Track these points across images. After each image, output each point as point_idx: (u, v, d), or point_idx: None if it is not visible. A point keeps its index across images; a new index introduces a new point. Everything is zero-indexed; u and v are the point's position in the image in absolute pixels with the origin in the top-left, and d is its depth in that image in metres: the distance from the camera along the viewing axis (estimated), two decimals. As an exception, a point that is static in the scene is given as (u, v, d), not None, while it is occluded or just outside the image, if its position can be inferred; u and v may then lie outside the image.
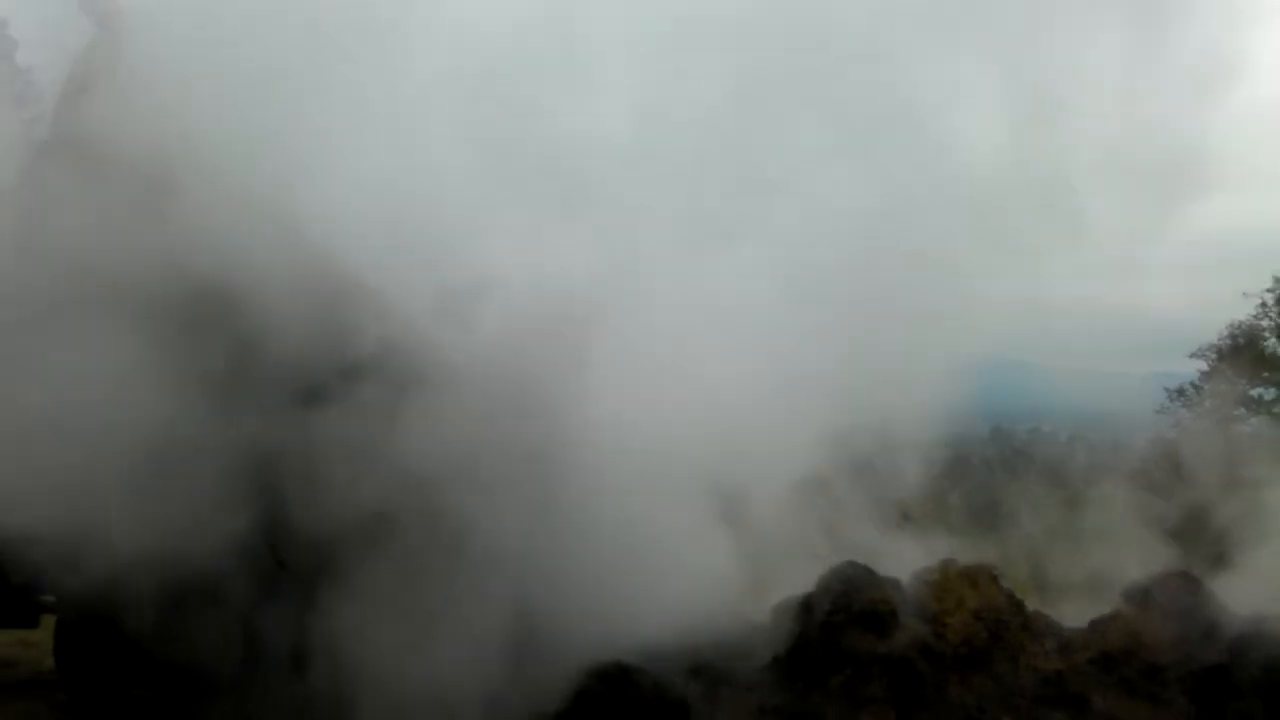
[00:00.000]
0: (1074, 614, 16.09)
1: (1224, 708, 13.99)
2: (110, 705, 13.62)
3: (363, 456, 13.32)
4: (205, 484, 13.06)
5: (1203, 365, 34.53)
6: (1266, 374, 33.50)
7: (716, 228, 17.26)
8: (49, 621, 14.96)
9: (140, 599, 13.14)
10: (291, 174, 13.89)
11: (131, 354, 12.85)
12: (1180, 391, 34.13)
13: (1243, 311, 33.74)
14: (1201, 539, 18.32)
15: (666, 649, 14.50)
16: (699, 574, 15.16)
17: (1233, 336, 33.85)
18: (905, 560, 15.74)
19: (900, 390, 18.13)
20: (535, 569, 14.56)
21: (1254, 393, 33.34)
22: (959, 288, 18.10)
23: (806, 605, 14.49)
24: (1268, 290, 33.60)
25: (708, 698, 13.98)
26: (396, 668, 13.35)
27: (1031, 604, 15.71)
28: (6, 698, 15.06)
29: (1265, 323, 33.85)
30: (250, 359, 13.30)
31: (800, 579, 15.25)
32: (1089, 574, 18.76)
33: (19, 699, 14.93)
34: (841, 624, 14.04)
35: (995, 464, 29.37)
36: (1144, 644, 14.50)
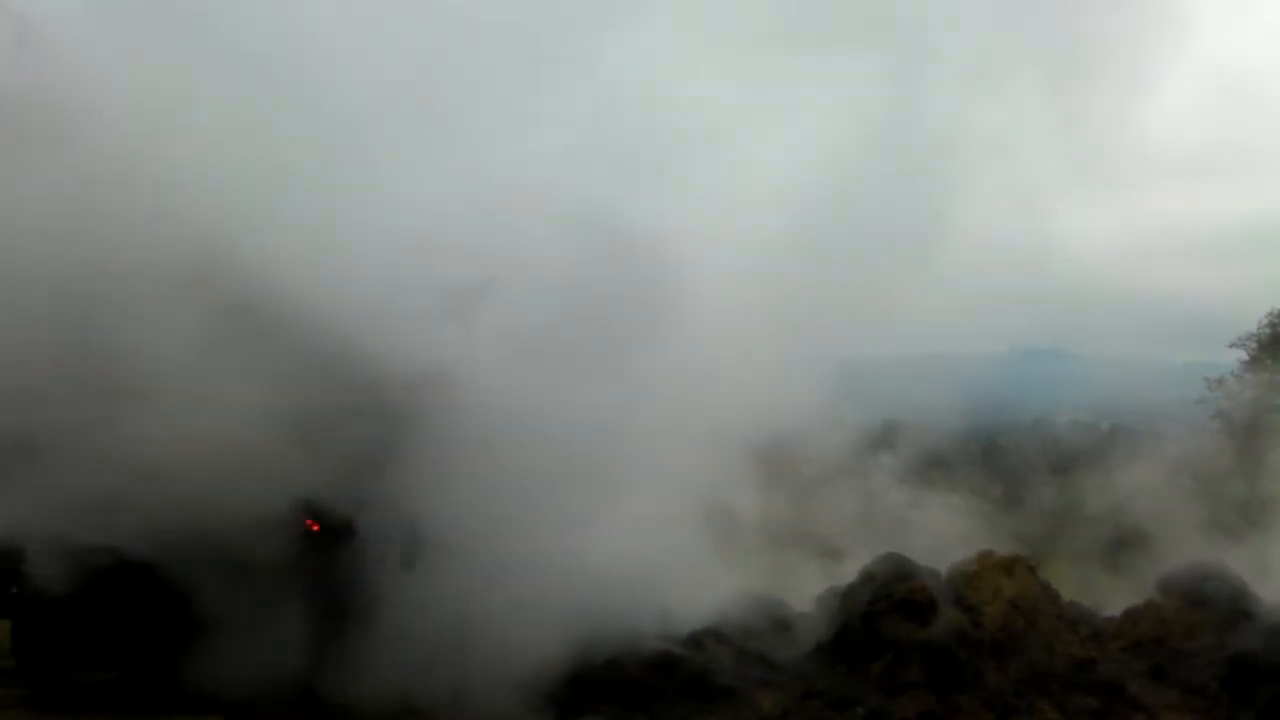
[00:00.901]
0: (1110, 603, 16.48)
1: (1253, 693, 14.12)
2: (63, 688, 14.15)
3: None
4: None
5: (1242, 355, 34.59)
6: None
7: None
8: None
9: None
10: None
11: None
12: (1219, 381, 34.10)
13: (1282, 300, 33.56)
14: (1238, 528, 18.54)
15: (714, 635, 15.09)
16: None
17: (1272, 325, 33.76)
18: (945, 549, 16.23)
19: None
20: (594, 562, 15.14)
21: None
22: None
23: (849, 594, 14.94)
24: (1309, 278, 33.52)
25: (754, 682, 14.40)
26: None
27: (1067, 593, 16.09)
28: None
29: (1306, 311, 33.63)
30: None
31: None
32: (1125, 563, 19.17)
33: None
34: (882, 612, 14.42)
35: (1035, 454, 29.54)
36: (1175, 632, 14.82)
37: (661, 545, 15.69)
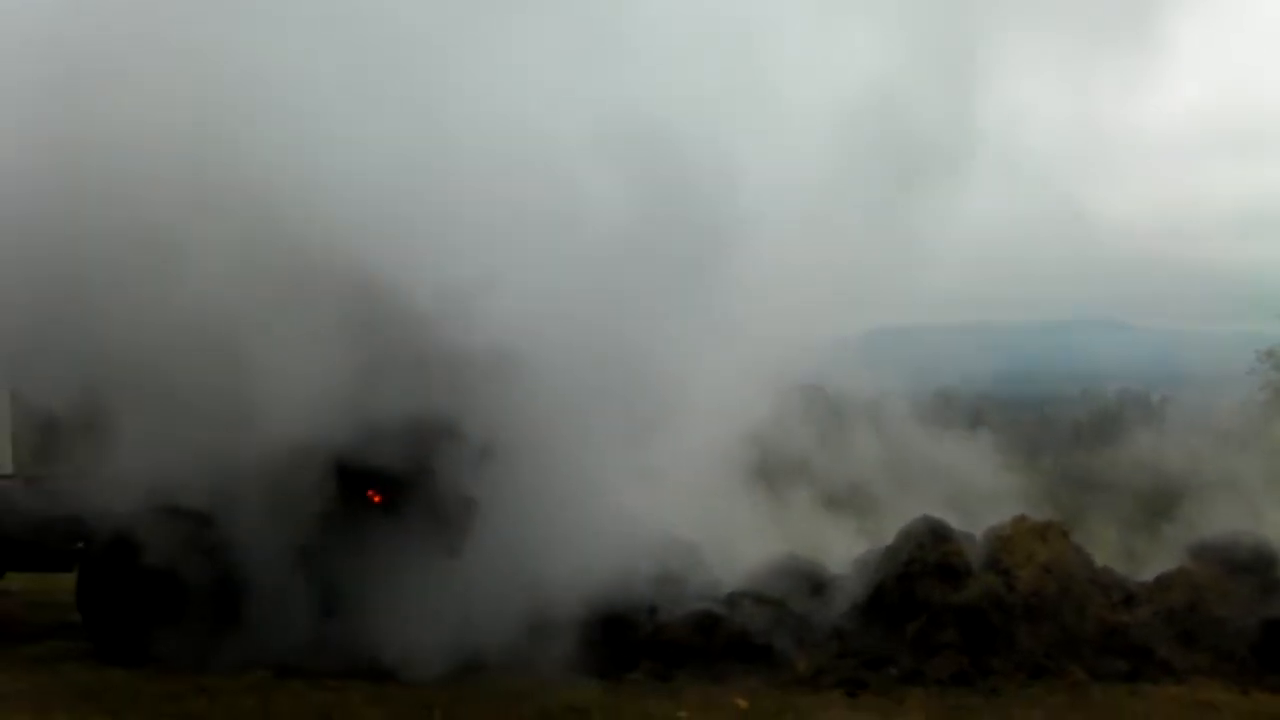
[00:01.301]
0: (1146, 571, 16.66)
1: None
2: (124, 642, 14.66)
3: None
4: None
5: (1293, 325, 34.36)
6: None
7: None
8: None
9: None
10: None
11: None
12: (1270, 353, 34.03)
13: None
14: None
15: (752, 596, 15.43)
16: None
17: (1324, 296, 33.50)
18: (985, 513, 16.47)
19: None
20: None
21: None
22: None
23: (885, 557, 15.19)
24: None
25: (791, 642, 14.74)
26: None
27: (1104, 559, 16.28)
28: (37, 636, 16.07)
29: (1359, 281, 33.39)
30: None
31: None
32: (1163, 532, 19.33)
33: (50, 638, 15.90)
34: (918, 574, 14.65)
35: (1084, 423, 29.68)
36: (1206, 598, 14.99)
37: (703, 506, 16.11)
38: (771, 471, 17.79)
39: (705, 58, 18.29)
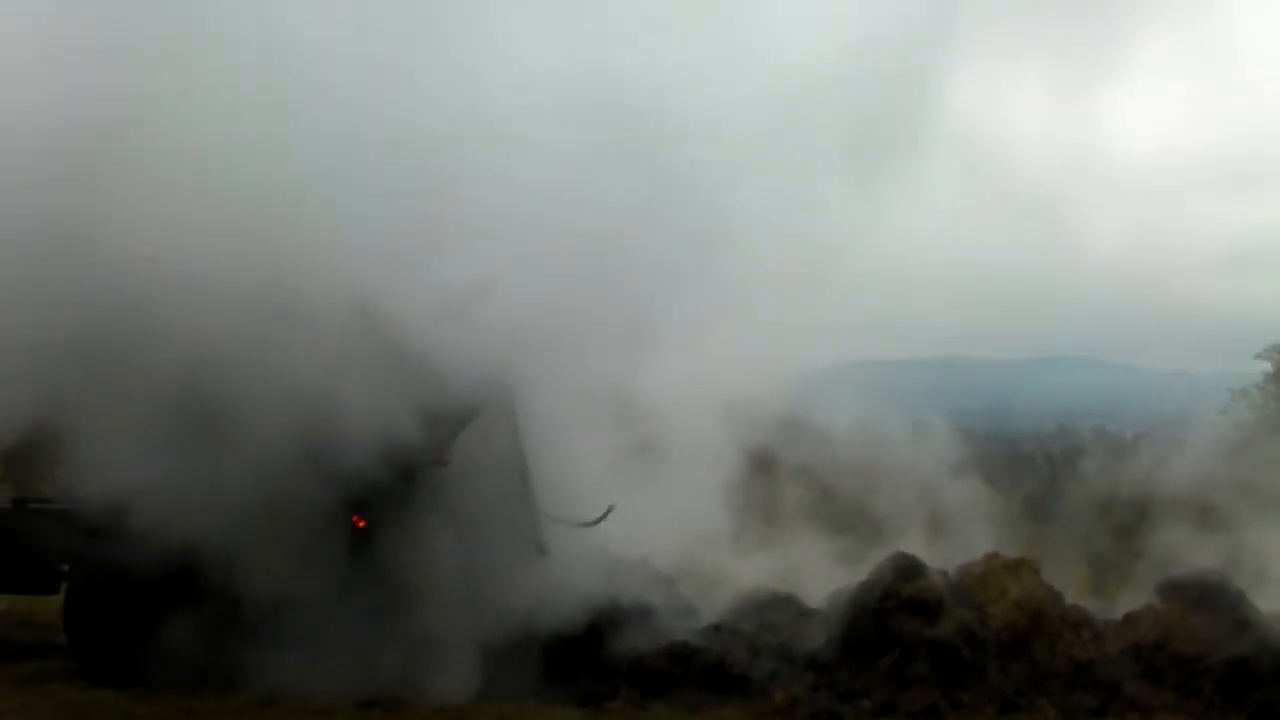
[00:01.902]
0: (1117, 607, 16.93)
1: (1247, 696, 14.52)
2: (111, 663, 14.93)
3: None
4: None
5: (1268, 367, 34.78)
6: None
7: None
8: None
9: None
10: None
11: None
12: (1244, 392, 34.33)
13: (1311, 311, 33.70)
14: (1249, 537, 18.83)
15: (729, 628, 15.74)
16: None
17: (1299, 338, 33.84)
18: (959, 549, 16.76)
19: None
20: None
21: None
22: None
23: (860, 591, 15.39)
24: (1337, 289, 33.67)
25: (767, 673, 15.00)
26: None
27: (1074, 597, 16.55)
28: (24, 655, 16.34)
29: (1334, 323, 33.71)
30: None
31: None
32: (1135, 569, 19.61)
33: (36, 657, 16.17)
34: (891, 610, 14.85)
35: (1057, 459, 29.98)
36: (1174, 636, 15.22)
37: (680, 538, 16.43)
38: (748, 503, 18.04)
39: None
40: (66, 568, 15.83)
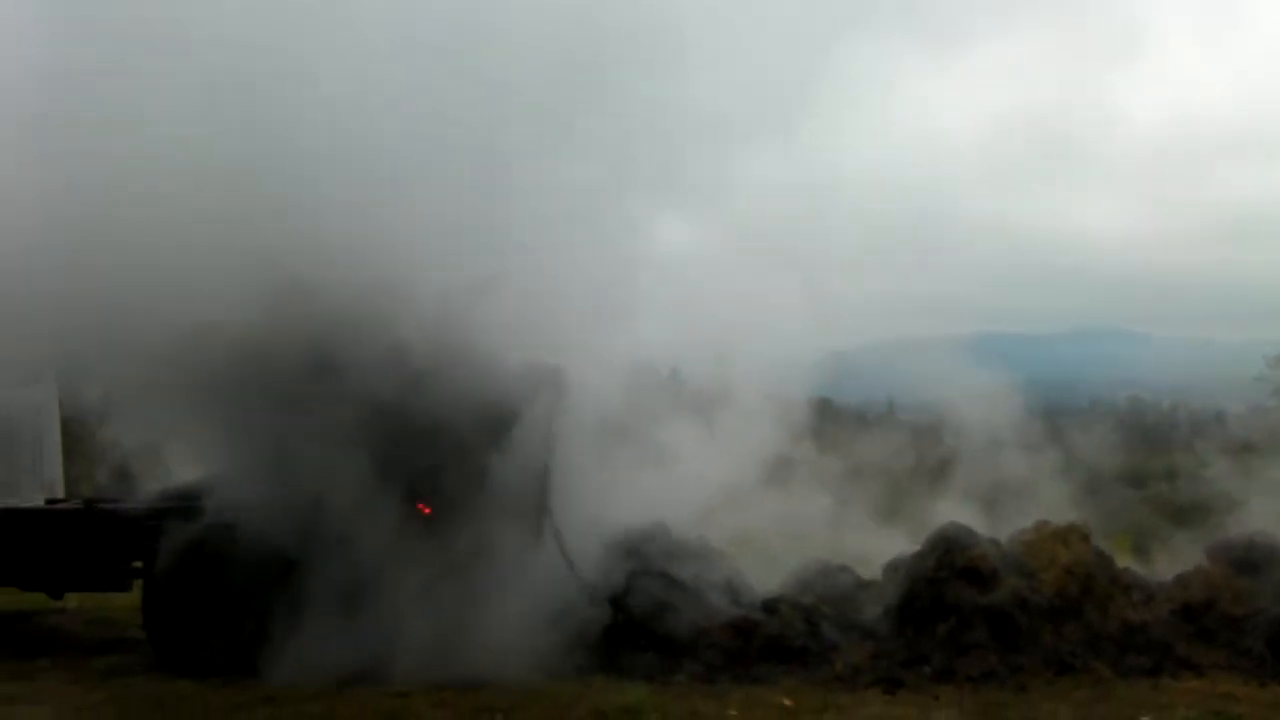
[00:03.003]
0: (1164, 570, 17.20)
1: None
2: (189, 655, 15.38)
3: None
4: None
5: (1299, 331, 34.65)
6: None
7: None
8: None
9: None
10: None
11: None
12: (1279, 359, 34.29)
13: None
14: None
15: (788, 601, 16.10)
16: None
17: (1334, 303, 33.81)
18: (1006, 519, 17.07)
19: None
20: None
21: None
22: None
23: (915, 562, 15.76)
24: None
25: (828, 644, 15.40)
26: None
27: (1123, 561, 16.82)
28: (101, 651, 16.90)
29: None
30: None
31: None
32: (1181, 533, 19.89)
33: (112, 652, 16.71)
34: (946, 579, 15.21)
35: (1094, 430, 30.17)
36: (1222, 596, 15.49)
37: (740, 514, 16.78)
38: (803, 479, 18.35)
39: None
40: (139, 565, 16.28)
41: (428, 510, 14.94)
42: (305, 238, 14.40)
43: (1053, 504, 17.99)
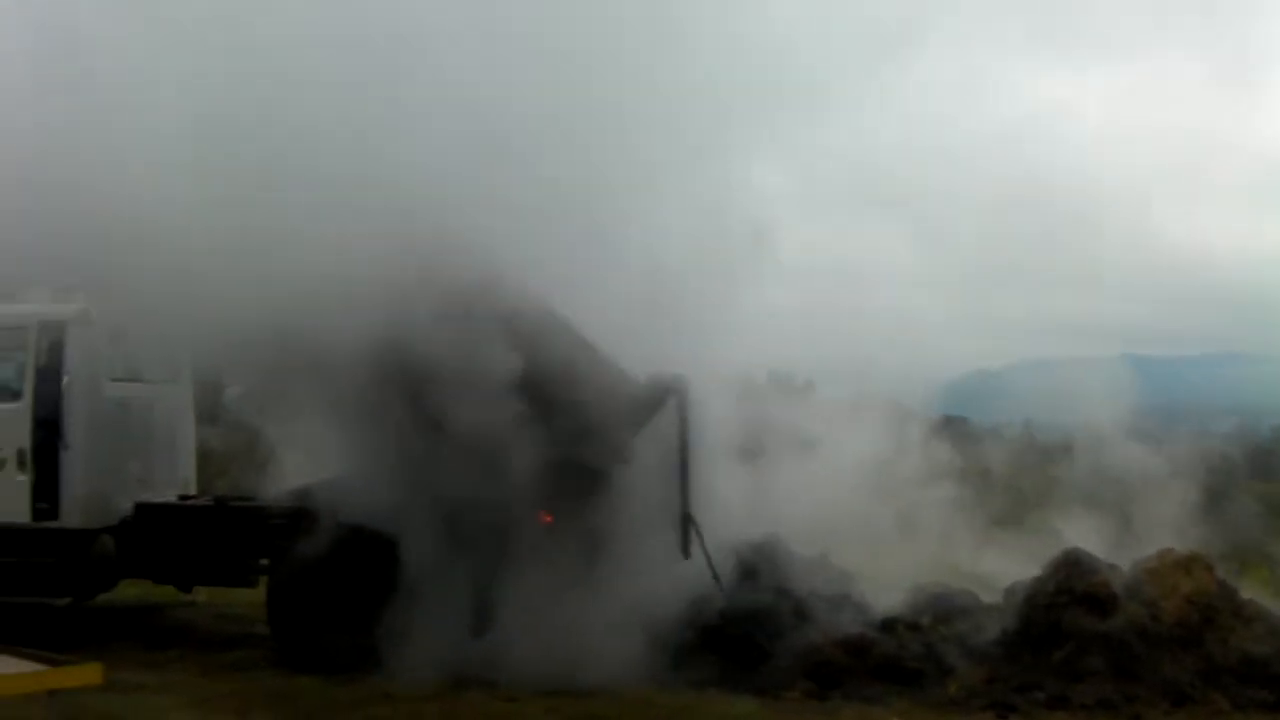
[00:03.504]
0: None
1: None
2: (312, 651, 15.74)
3: None
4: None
5: None
6: None
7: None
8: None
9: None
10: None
11: None
12: None
13: None
14: None
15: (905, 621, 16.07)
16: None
17: None
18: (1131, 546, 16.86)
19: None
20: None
21: None
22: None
23: (1034, 586, 15.63)
24: None
25: (943, 667, 15.29)
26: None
27: (1259, 593, 16.54)
28: (227, 645, 17.36)
29: None
30: None
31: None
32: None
33: (238, 647, 17.15)
34: (1065, 604, 15.05)
35: (1233, 457, 29.63)
36: (1352, 633, 15.19)
37: (857, 532, 16.77)
38: (929, 498, 18.28)
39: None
40: (265, 561, 16.67)
41: (549, 519, 15.10)
42: (432, 242, 14.59)
43: (1183, 532, 17.73)
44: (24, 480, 17.20)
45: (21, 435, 17.31)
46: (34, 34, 14.79)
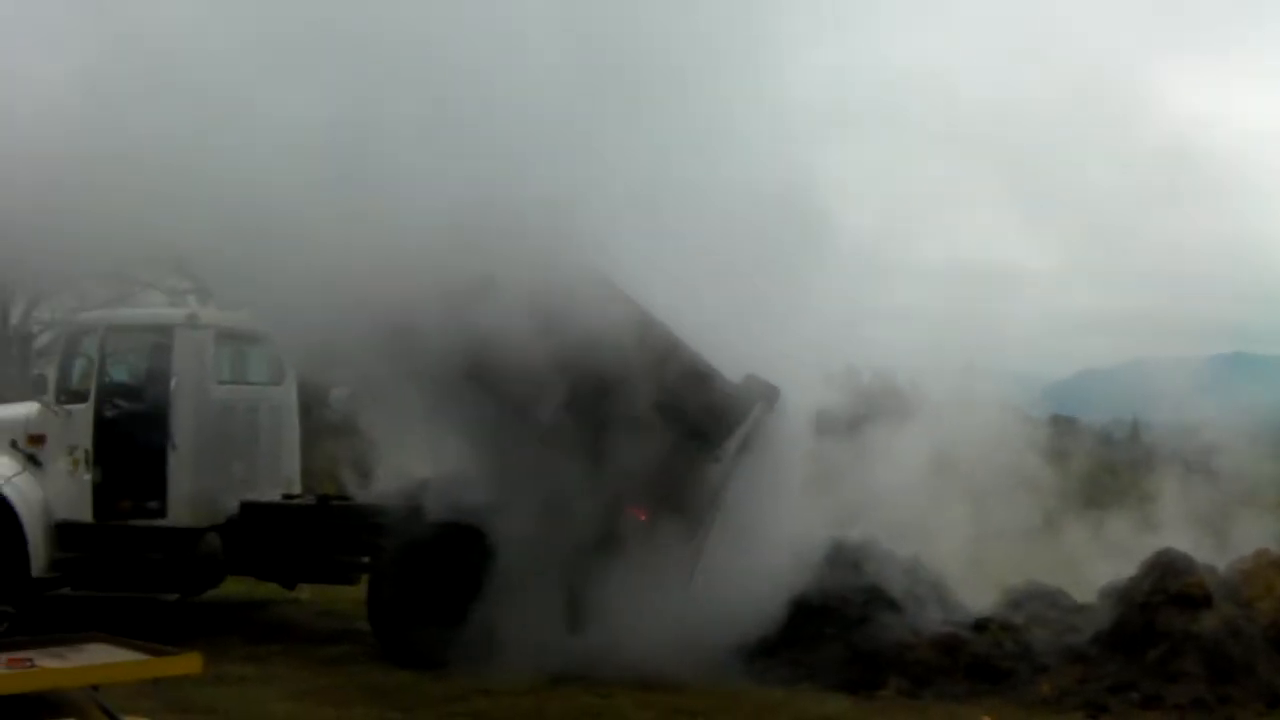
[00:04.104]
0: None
1: None
2: (410, 646, 16.02)
3: None
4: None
5: None
6: None
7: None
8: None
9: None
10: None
11: None
12: None
13: None
14: None
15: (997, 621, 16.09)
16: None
17: None
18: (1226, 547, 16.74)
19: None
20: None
21: None
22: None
23: (1129, 587, 15.60)
24: None
25: (1035, 666, 15.28)
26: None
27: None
28: (328, 640, 17.65)
29: None
30: None
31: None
32: None
33: (338, 642, 17.42)
34: (1159, 604, 15.01)
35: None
36: None
37: (949, 531, 16.80)
38: (1029, 496, 18.23)
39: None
40: (366, 559, 17.00)
41: (644, 516, 15.27)
42: (532, 240, 14.83)
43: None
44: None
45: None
46: (154, 34, 15.02)
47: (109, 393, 18.12)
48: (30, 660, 8.49)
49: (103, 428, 17.81)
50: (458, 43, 15.14)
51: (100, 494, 17.73)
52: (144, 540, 17.50)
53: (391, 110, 14.87)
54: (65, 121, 14.68)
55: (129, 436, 17.89)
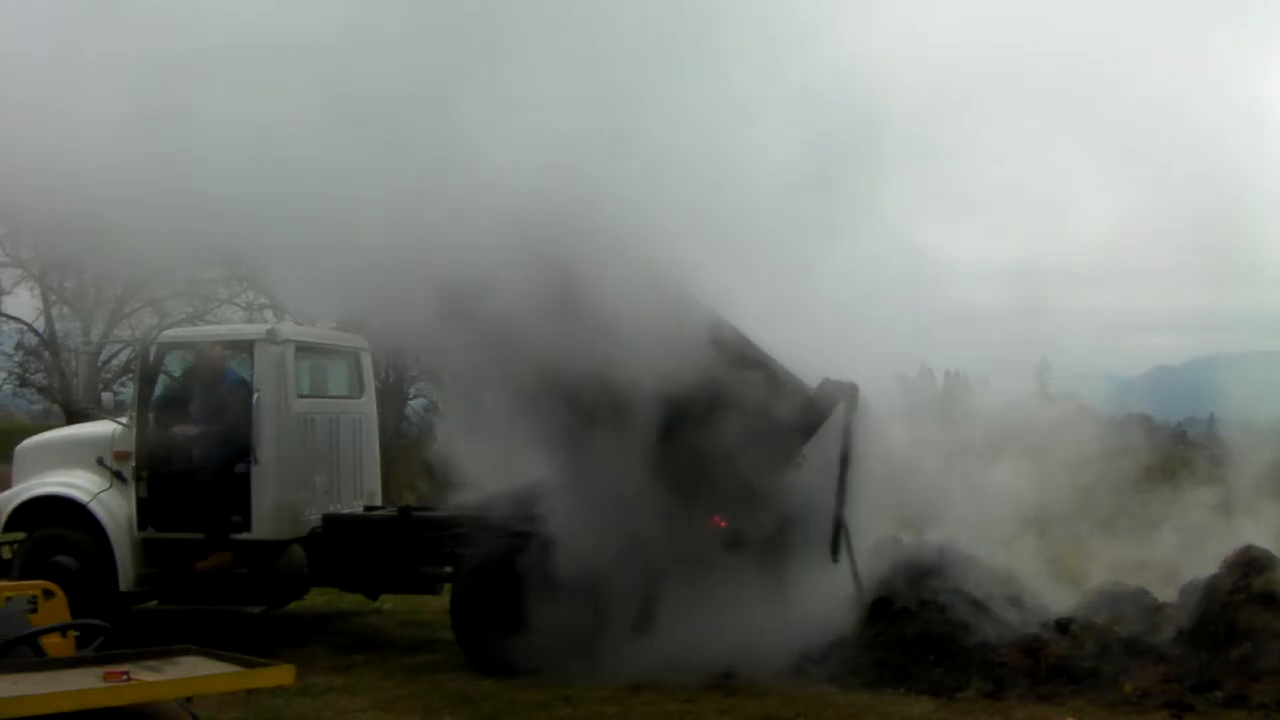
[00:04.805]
0: None
1: None
2: (494, 655, 16.12)
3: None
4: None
5: None
6: None
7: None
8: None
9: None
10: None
11: None
12: None
13: None
14: None
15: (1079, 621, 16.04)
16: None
17: None
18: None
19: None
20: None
21: None
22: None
23: (1211, 585, 15.50)
24: None
25: (1118, 666, 15.16)
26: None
27: None
28: (412, 650, 17.89)
29: None
30: None
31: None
32: None
33: (422, 652, 17.67)
34: (1241, 603, 14.91)
35: None
36: None
37: (1030, 533, 16.77)
38: (1108, 496, 18.16)
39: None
40: (448, 569, 17.17)
41: (724, 524, 15.35)
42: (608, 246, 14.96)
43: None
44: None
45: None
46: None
47: (189, 409, 18.33)
48: (127, 674, 8.60)
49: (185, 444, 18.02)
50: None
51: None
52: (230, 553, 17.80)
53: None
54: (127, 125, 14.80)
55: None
